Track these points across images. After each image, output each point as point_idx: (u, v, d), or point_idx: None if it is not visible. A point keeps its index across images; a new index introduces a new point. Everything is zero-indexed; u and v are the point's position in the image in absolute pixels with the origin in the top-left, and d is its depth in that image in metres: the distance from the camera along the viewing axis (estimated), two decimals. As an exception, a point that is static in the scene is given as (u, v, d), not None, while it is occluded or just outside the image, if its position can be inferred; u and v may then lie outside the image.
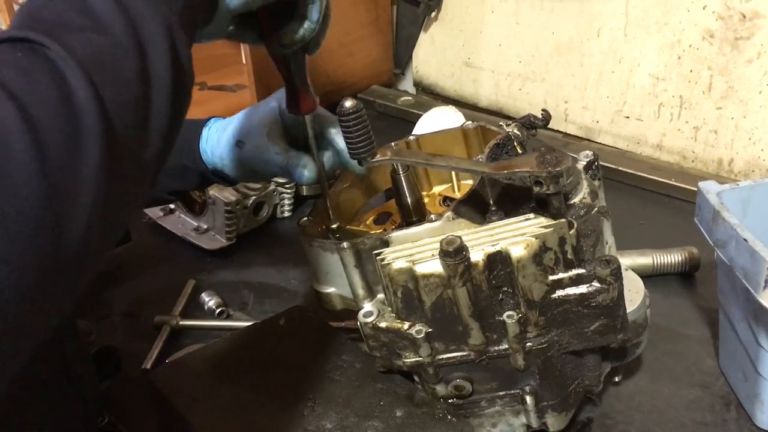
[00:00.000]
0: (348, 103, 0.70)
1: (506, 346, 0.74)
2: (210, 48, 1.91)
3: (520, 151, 0.85)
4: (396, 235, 0.74)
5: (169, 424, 0.81)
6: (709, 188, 0.88)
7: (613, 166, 1.40)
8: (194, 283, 1.14)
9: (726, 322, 0.92)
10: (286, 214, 1.32)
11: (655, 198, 1.36)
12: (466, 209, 0.75)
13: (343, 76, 1.75)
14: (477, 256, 0.69)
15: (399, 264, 0.70)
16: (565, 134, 1.55)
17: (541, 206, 0.73)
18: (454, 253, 0.67)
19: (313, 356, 0.85)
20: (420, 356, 0.74)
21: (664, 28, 1.35)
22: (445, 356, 0.74)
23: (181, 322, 1.06)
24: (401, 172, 0.83)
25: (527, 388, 0.76)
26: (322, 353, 0.85)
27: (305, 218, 0.82)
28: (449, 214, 0.74)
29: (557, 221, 0.70)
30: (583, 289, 0.71)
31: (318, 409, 0.78)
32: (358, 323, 0.76)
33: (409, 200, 0.84)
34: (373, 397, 0.79)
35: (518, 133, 0.83)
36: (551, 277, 0.70)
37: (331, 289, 0.82)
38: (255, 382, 0.82)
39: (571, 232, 0.70)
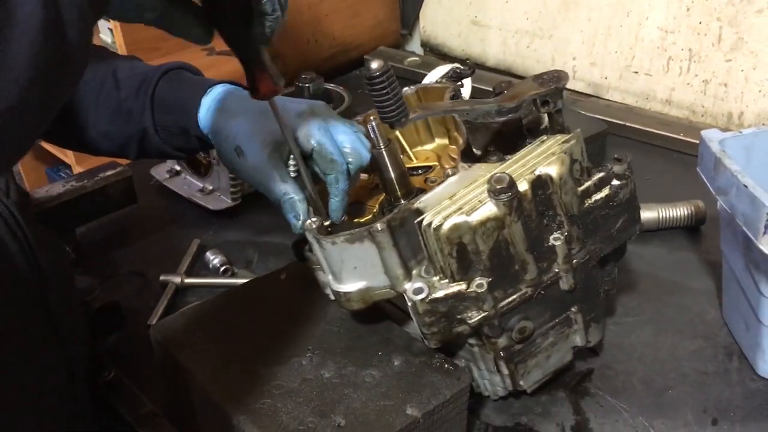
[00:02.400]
0: (375, 65, 0.66)
1: (557, 270, 0.75)
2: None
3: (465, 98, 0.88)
4: (426, 198, 0.72)
5: (172, 375, 0.82)
6: (712, 136, 0.86)
7: (621, 122, 1.39)
8: (199, 242, 1.15)
9: (729, 273, 0.91)
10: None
11: (664, 153, 1.34)
12: (473, 158, 0.76)
13: (350, 38, 1.74)
14: (522, 186, 0.69)
15: (452, 221, 0.68)
16: (573, 91, 1.53)
17: (533, 133, 0.76)
18: (507, 188, 0.67)
19: (314, 308, 0.86)
20: (484, 310, 0.72)
21: (673, -22, 1.32)
22: (505, 302, 0.73)
23: (186, 280, 1.07)
24: (382, 146, 0.80)
25: (575, 308, 0.78)
26: (323, 306, 0.86)
27: (311, 220, 0.76)
28: (462, 164, 0.74)
29: (573, 133, 0.74)
30: (606, 191, 0.75)
31: (316, 359, 0.79)
32: (409, 304, 0.72)
33: (393, 174, 0.81)
34: (371, 347, 0.80)
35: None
36: (580, 188, 0.74)
37: (360, 285, 0.74)
38: (256, 334, 0.82)
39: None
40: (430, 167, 0.88)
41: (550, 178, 0.70)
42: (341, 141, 0.81)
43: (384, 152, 0.79)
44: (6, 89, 0.41)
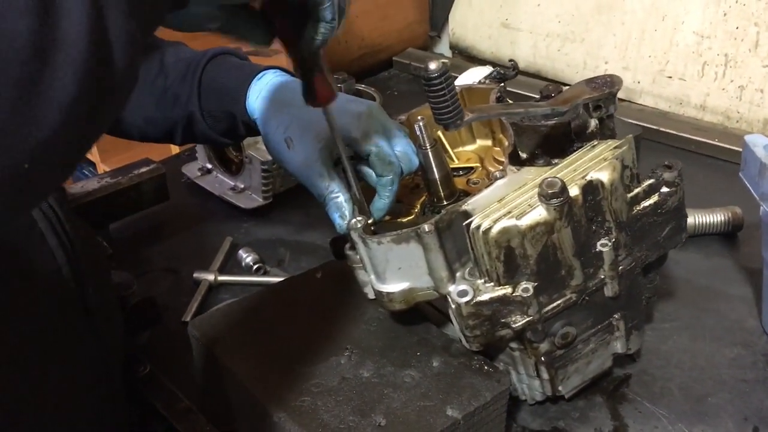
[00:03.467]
0: (433, 65, 0.64)
1: (602, 277, 0.74)
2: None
3: (510, 102, 0.88)
4: (474, 200, 0.72)
5: (210, 372, 0.83)
6: (756, 141, 0.85)
7: (655, 127, 1.38)
8: (231, 240, 1.15)
9: (770, 280, 0.90)
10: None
11: (698, 159, 1.33)
12: (520, 162, 0.75)
13: (379, 39, 1.74)
14: (573, 191, 0.69)
15: (501, 225, 0.68)
16: (605, 95, 1.52)
17: (580, 137, 0.76)
18: (559, 193, 0.67)
19: (350, 308, 0.86)
20: (529, 315, 0.72)
21: (710, -17, 1.31)
22: (550, 307, 0.73)
23: (219, 278, 1.07)
24: (428, 146, 0.80)
25: (617, 315, 0.78)
26: (359, 305, 0.85)
27: (356, 219, 0.75)
28: (510, 167, 0.73)
29: (625, 138, 0.73)
30: (655, 197, 0.74)
31: (355, 358, 0.79)
32: (452, 306, 0.72)
33: (437, 175, 0.81)
34: (410, 348, 0.80)
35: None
36: (629, 195, 0.73)
37: (404, 286, 0.74)
38: (293, 332, 0.82)
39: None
40: (472, 168, 0.88)
41: (602, 183, 0.70)
42: (395, 144, 0.81)
43: (430, 153, 0.79)
44: (49, 115, 0.39)
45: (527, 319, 0.73)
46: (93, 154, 2.43)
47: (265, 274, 1.10)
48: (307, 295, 0.88)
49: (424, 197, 0.85)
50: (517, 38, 1.65)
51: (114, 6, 0.43)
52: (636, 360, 0.90)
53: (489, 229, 0.69)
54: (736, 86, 1.34)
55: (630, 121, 1.34)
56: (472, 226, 0.70)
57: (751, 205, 0.89)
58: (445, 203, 0.82)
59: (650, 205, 0.75)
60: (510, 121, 0.72)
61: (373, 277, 0.78)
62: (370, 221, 0.77)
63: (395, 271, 0.75)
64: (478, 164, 0.88)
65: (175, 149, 1.89)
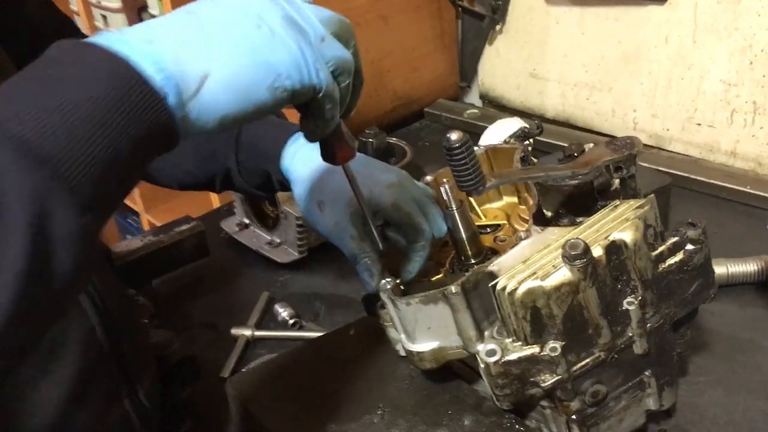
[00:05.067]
0: (454, 137, 0.68)
1: (630, 334, 0.75)
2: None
3: (534, 161, 0.92)
4: (500, 261, 0.74)
5: (247, 430, 0.85)
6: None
7: (685, 175, 1.38)
8: (268, 295, 1.19)
9: (804, 333, 0.89)
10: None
11: (730, 206, 1.33)
12: (544, 221, 0.77)
13: (410, 91, 1.79)
14: (596, 251, 0.70)
15: (526, 286, 0.70)
16: (635, 143, 1.53)
17: (604, 195, 0.78)
18: (582, 254, 0.69)
19: (383, 365, 0.88)
20: (558, 374, 0.72)
21: (735, 33, 1.33)
22: (579, 365, 0.74)
23: (256, 333, 1.11)
24: (454, 208, 0.82)
25: (648, 372, 0.78)
26: (391, 362, 0.87)
27: (386, 280, 0.79)
28: (535, 228, 0.75)
29: (647, 198, 0.75)
30: (680, 255, 0.75)
31: (387, 416, 0.80)
32: (482, 366, 0.73)
33: (464, 235, 0.82)
34: (442, 406, 0.81)
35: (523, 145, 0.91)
36: (654, 253, 0.74)
37: (433, 345, 0.77)
38: (327, 390, 0.85)
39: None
40: (498, 225, 0.90)
41: (624, 243, 0.71)
42: (425, 211, 0.85)
43: (456, 214, 0.82)
44: None
45: (556, 378, 0.74)
46: (137, 204, 2.50)
47: (301, 328, 1.13)
48: (341, 352, 0.91)
49: (452, 254, 0.88)
50: (545, 88, 1.68)
51: (62, 208, 0.41)
52: (671, 415, 0.90)
53: (514, 290, 0.71)
54: (766, 133, 1.34)
55: (660, 168, 1.35)
56: (498, 287, 0.72)
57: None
58: (472, 261, 0.84)
59: (676, 263, 0.76)
60: (542, 180, 0.75)
61: (403, 336, 0.80)
62: (398, 281, 0.80)
63: (424, 330, 0.77)
64: (505, 221, 0.90)
65: (215, 203, 1.96)
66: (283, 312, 1.14)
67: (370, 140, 1.40)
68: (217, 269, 1.28)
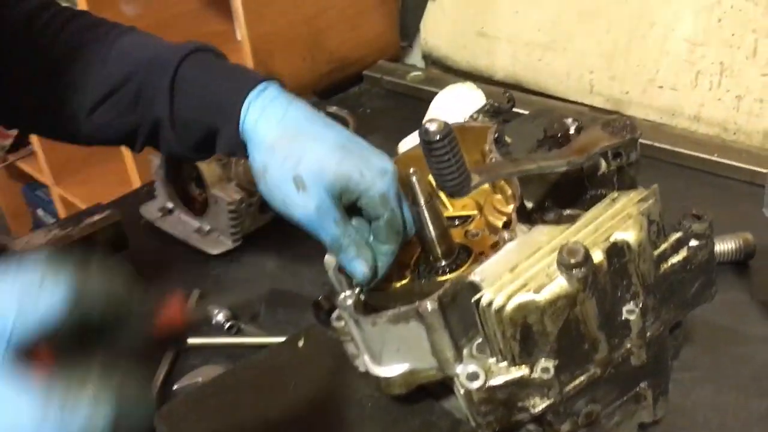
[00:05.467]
0: (433, 127, 0.56)
1: (629, 346, 0.65)
2: (201, 23, 1.78)
3: (509, 141, 0.79)
4: (482, 269, 0.61)
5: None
6: (784, 176, 0.77)
7: (646, 142, 1.29)
8: (199, 293, 1.04)
9: (801, 324, 0.82)
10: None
11: (696, 176, 1.24)
12: (527, 216, 0.65)
13: (348, 52, 1.63)
14: (596, 255, 0.59)
15: (517, 300, 0.58)
16: (591, 107, 1.44)
17: (593, 183, 0.68)
18: (583, 261, 0.57)
19: (339, 385, 0.76)
20: (550, 398, 0.63)
21: (703, -12, 1.23)
22: (572, 385, 0.64)
23: (187, 341, 0.96)
24: (422, 203, 0.70)
25: (644, 384, 0.69)
26: (350, 381, 0.75)
27: (345, 294, 0.66)
28: (520, 226, 0.63)
29: (651, 189, 0.65)
30: (684, 253, 0.66)
31: (350, 451, 0.68)
32: (461, 393, 0.62)
33: (433, 234, 0.71)
34: (412, 434, 0.70)
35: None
36: (656, 252, 0.64)
37: (403, 368, 0.65)
38: (275, 422, 0.72)
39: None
40: (469, 217, 0.78)
41: (627, 245, 0.60)
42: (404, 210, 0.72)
43: (425, 209, 0.69)
44: None
45: (548, 402, 0.64)
46: (45, 175, 2.29)
47: (239, 332, 0.99)
48: (289, 370, 0.78)
49: (418, 254, 0.75)
50: (495, 48, 1.55)
51: None
52: (658, 422, 0.81)
53: (503, 306, 0.59)
54: (732, 96, 1.26)
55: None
56: (483, 302, 0.60)
57: (761, 229, 0.82)
58: (443, 263, 0.72)
59: (679, 261, 0.66)
60: (535, 172, 0.62)
61: (366, 357, 0.68)
62: (358, 292, 0.67)
63: (393, 352, 0.65)
64: (476, 212, 0.78)
65: (133, 177, 1.77)
66: (218, 314, 0.99)
67: (308, 110, 1.25)
68: (137, 263, 1.12)
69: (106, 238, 1.06)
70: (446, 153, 0.55)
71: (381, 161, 0.71)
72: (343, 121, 1.31)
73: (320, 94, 1.57)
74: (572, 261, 0.57)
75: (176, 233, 1.15)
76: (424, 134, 0.55)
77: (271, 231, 1.16)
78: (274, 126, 0.72)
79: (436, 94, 1.35)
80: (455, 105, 1.25)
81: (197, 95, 0.78)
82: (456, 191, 0.57)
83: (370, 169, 0.69)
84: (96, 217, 1.06)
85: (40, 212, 2.72)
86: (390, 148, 1.37)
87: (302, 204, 0.69)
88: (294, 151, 0.70)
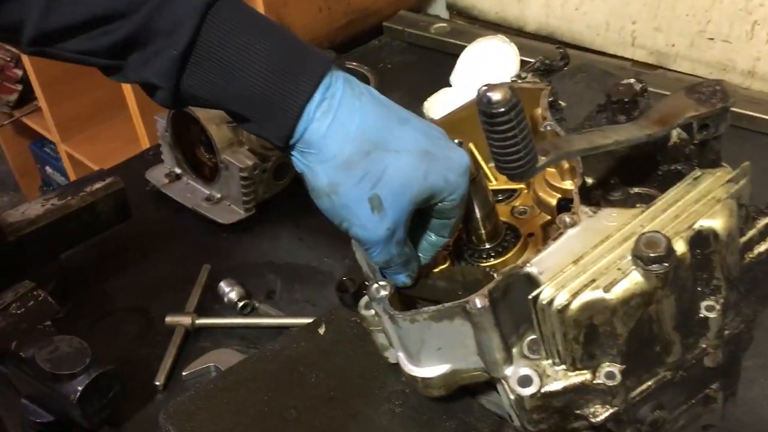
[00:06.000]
0: (497, 95, 0.45)
1: (704, 346, 0.56)
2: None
3: (563, 105, 0.69)
4: (540, 260, 0.53)
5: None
6: None
7: (694, 100, 1.18)
8: (209, 268, 0.95)
9: None
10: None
11: (751, 138, 1.13)
12: (591, 197, 0.56)
13: (367, 2, 1.52)
14: (679, 247, 0.50)
15: (583, 299, 0.50)
16: (633, 62, 1.32)
17: (663, 154, 0.59)
18: (665, 256, 0.48)
19: (367, 378, 0.67)
20: (614, 406, 0.55)
21: (765, -74, 1.10)
22: (638, 390, 0.56)
23: (197, 321, 0.88)
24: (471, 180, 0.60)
25: (715, 385, 0.60)
26: (378, 373, 0.67)
27: (378, 284, 0.57)
28: (584, 208, 0.54)
29: (741, 167, 0.55)
30: None
31: (379, 459, 0.61)
32: (513, 399, 0.54)
33: (479, 214, 0.61)
34: (449, 439, 0.62)
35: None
36: (741, 240, 0.55)
37: (443, 369, 0.57)
38: (292, 420, 0.64)
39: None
40: (515, 191, 0.68)
41: (714, 234, 0.51)
42: None
43: (471, 189, 0.59)
44: None
45: (611, 411, 0.55)
46: (51, 132, 2.20)
47: (253, 311, 0.91)
48: (309, 361, 0.70)
49: (456, 234, 0.66)
50: (527, -4, 1.43)
51: None
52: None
53: (567, 305, 0.51)
54: (792, 49, 1.15)
55: (663, 93, 1.14)
56: (542, 299, 0.51)
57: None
58: (486, 246, 0.63)
59: (765, 251, 0.57)
60: (612, 148, 0.53)
61: (401, 355, 0.59)
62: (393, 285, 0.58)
63: (433, 352, 0.57)
64: (524, 186, 0.68)
65: (141, 137, 1.68)
66: (229, 292, 0.91)
67: (326, 66, 1.15)
68: (143, 235, 1.04)
69: (108, 208, 0.97)
70: (512, 128, 0.45)
71: (460, 156, 0.59)
72: (364, 78, 1.20)
73: (337, 48, 1.46)
74: (652, 254, 0.48)
75: (184, 201, 1.06)
76: (486, 104, 0.45)
77: (287, 199, 1.07)
78: (349, 139, 0.57)
79: (462, 47, 1.24)
80: (486, 61, 1.15)
81: (229, 77, 0.57)
82: (520, 174, 0.47)
83: (453, 172, 0.58)
84: (96, 185, 0.97)
85: (48, 170, 2.64)
86: (414, 108, 1.27)
87: (373, 226, 0.58)
88: (373, 168, 0.57)
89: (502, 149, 0.46)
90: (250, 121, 0.60)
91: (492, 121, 0.45)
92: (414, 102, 1.23)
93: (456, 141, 0.59)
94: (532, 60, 1.25)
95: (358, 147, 0.57)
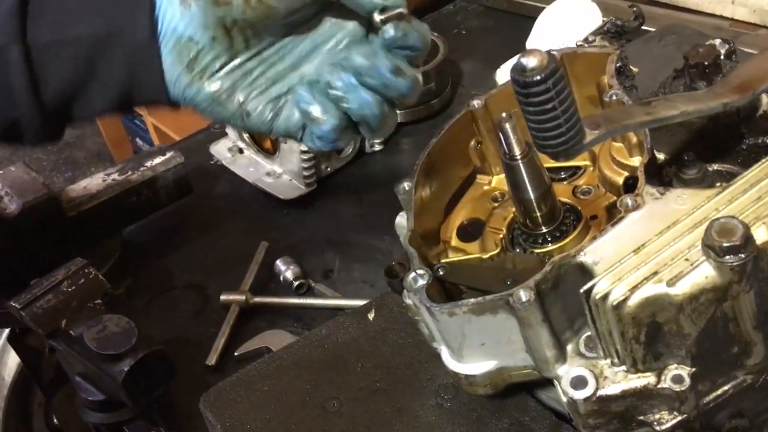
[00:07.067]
0: (532, 62, 0.40)
1: None
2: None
3: (635, 71, 0.61)
4: (595, 247, 0.47)
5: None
6: None
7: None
8: (267, 246, 0.93)
9: None
10: (377, 147, 1.07)
11: None
12: (658, 173, 0.49)
13: (441, -37, 1.44)
14: (760, 234, 0.44)
15: (643, 294, 0.44)
16: (733, 21, 1.19)
17: (750, 128, 0.51)
18: (741, 246, 0.41)
19: (415, 369, 0.63)
20: (682, 413, 0.49)
21: None
22: (713, 396, 0.50)
23: (252, 300, 0.86)
24: (518, 156, 0.54)
25: None
26: (427, 366, 0.62)
27: (416, 272, 0.53)
28: (649, 189, 0.47)
29: None
30: None
31: (422, 458, 0.56)
32: (567, 402, 0.49)
33: (532, 195, 0.55)
34: (500, 439, 0.56)
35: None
36: None
37: (489, 366, 0.53)
38: (336, 414, 0.60)
39: None
40: (579, 169, 0.61)
41: None
42: None
43: (521, 165, 0.53)
44: None
45: (679, 418, 0.49)
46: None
47: (309, 291, 0.88)
48: (355, 348, 0.66)
49: (511, 215, 0.60)
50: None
51: None
52: None
53: (624, 300, 0.44)
54: None
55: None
56: (596, 294, 0.45)
57: None
58: (543, 230, 0.57)
59: None
60: (678, 120, 0.45)
61: (444, 349, 0.54)
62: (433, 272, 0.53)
63: (476, 347, 0.52)
64: (589, 162, 0.62)
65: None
66: (285, 270, 0.89)
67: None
68: (204, 209, 1.03)
69: (168, 183, 0.96)
70: (550, 99, 0.39)
71: None
72: (433, 46, 1.14)
73: (411, 13, 1.40)
74: (725, 243, 0.41)
75: (246, 176, 1.04)
76: (519, 72, 0.39)
77: (349, 174, 1.03)
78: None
79: (541, 9, 1.15)
80: (565, 23, 1.06)
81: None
82: (562, 152, 0.41)
83: None
84: (158, 159, 0.96)
85: (138, 141, 2.74)
86: (487, 76, 1.21)
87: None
88: None
89: (540, 123, 0.40)
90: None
91: (526, 92, 0.39)
92: (488, 70, 1.17)
93: (504, 114, 0.53)
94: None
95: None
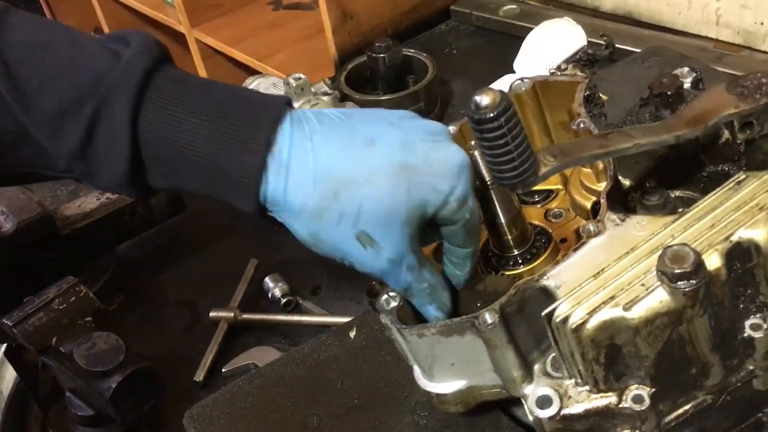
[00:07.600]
0: (486, 99, 0.42)
1: (751, 368, 0.51)
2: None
3: (604, 99, 0.63)
4: (558, 272, 0.49)
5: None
6: None
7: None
8: (256, 263, 0.95)
9: None
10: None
11: None
12: (622, 199, 0.51)
13: (432, -16, 1.47)
14: (712, 261, 0.45)
15: (601, 317, 0.46)
16: (717, 41, 1.22)
17: (711, 156, 0.53)
18: (692, 272, 0.43)
19: (393, 386, 0.65)
20: (644, 431, 0.51)
21: None
22: (674, 415, 0.51)
23: (240, 317, 0.88)
24: (489, 183, 0.56)
25: None
26: (404, 384, 0.64)
27: (389, 295, 0.55)
28: (610, 215, 0.49)
29: None
30: None
31: (399, 475, 0.58)
32: (534, 420, 0.51)
33: (503, 219, 0.57)
34: (474, 458, 0.58)
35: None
36: None
37: (459, 385, 0.54)
38: (317, 427, 0.62)
39: None
40: (551, 192, 0.63)
41: (756, 246, 0.46)
42: None
43: (491, 191, 0.55)
44: None
45: None
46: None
47: (297, 308, 0.90)
48: (338, 365, 0.68)
49: (485, 238, 0.62)
50: (603, -27, 1.34)
51: None
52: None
53: (583, 323, 0.46)
54: None
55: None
56: (557, 317, 0.47)
57: None
58: (514, 252, 0.59)
59: None
60: (631, 152, 0.47)
61: (416, 368, 0.56)
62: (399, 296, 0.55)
63: (447, 367, 0.54)
64: (560, 186, 0.64)
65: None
66: (274, 288, 0.91)
67: (382, 55, 1.12)
68: (195, 226, 1.05)
69: (162, 201, 0.99)
70: (503, 135, 0.41)
71: (447, 155, 0.54)
72: (421, 65, 1.16)
73: (403, 33, 1.42)
74: (677, 270, 0.43)
75: (238, 194, 1.07)
76: (473, 110, 0.42)
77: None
78: (310, 188, 0.54)
79: (530, 30, 1.18)
80: (551, 44, 1.08)
81: (179, 169, 0.56)
82: (517, 184, 0.43)
83: (441, 176, 0.53)
84: (150, 179, 0.98)
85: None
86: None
87: (372, 261, 0.55)
88: (347, 207, 0.54)
89: (494, 157, 0.42)
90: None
91: (481, 128, 0.41)
92: (478, 89, 1.19)
93: (473, 142, 0.55)
94: (602, 43, 1.18)
95: (323, 191, 0.54)
